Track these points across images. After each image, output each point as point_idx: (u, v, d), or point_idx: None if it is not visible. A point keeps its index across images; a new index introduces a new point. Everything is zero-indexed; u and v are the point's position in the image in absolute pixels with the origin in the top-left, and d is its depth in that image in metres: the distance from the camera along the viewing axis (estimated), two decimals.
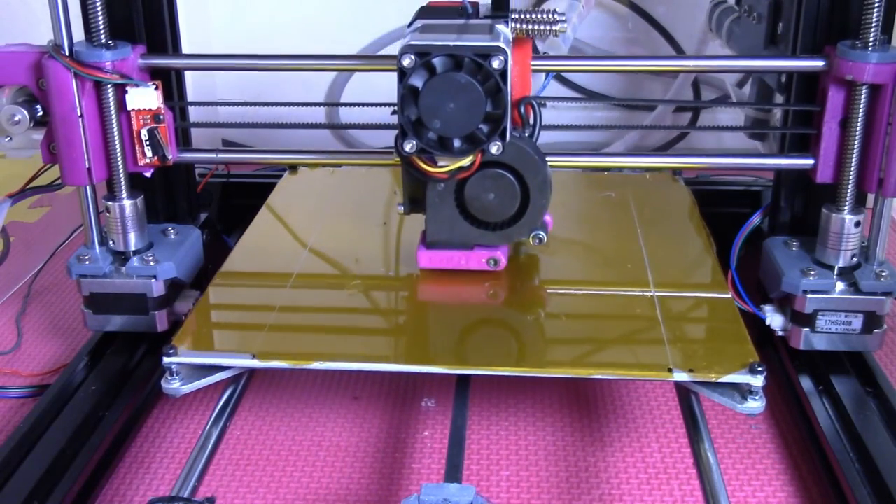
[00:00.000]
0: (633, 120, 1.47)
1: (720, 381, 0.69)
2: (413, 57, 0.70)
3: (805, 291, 0.81)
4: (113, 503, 0.76)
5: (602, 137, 1.42)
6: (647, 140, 1.42)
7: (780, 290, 0.82)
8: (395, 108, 0.72)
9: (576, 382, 0.90)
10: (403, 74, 0.70)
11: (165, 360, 0.71)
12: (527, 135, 0.78)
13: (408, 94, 0.71)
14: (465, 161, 0.74)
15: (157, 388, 0.86)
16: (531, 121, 0.78)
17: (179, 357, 0.72)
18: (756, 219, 0.90)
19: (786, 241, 0.87)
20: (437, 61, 0.70)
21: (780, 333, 0.85)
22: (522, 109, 0.77)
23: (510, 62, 0.70)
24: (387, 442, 0.82)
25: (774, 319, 0.85)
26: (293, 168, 1.04)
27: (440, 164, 0.75)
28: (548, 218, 0.82)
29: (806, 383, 0.83)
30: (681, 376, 0.69)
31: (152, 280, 0.83)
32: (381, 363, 0.72)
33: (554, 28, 0.75)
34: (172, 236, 0.89)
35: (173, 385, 0.72)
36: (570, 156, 0.86)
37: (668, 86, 1.43)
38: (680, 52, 1.40)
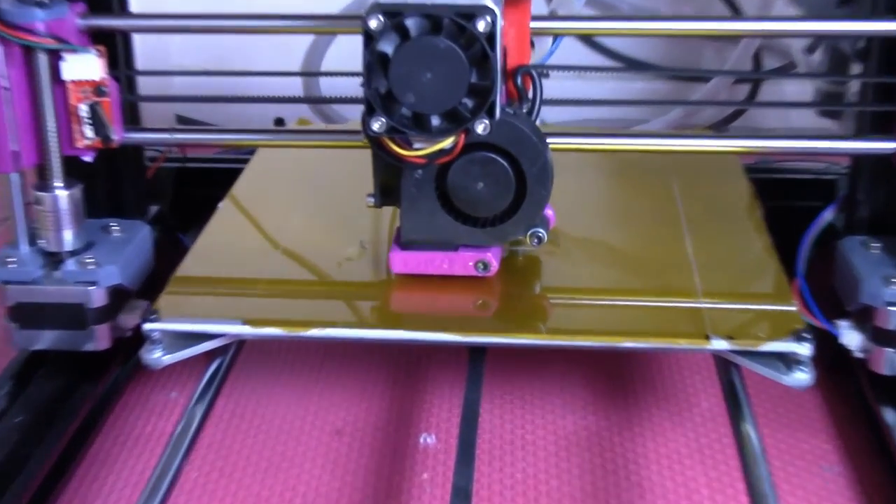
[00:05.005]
0: (678, 94, 1.44)
1: (761, 349, 0.72)
2: (382, 18, 0.67)
3: (889, 304, 0.77)
4: None
5: (639, 114, 1.39)
6: (694, 118, 1.39)
7: (859, 301, 0.79)
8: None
9: (595, 425, 0.86)
10: (371, 39, 0.68)
11: (146, 326, 0.74)
12: (524, 111, 0.75)
13: (376, 63, 0.68)
14: (446, 143, 0.71)
15: (96, 419, 0.85)
16: (530, 95, 0.76)
17: (162, 323, 0.74)
18: (828, 214, 0.89)
19: (865, 242, 0.84)
20: (410, 23, 0.67)
21: (859, 355, 0.81)
22: (519, 81, 0.75)
23: (500, 24, 0.67)
24: (376, 487, 0.78)
25: (851, 337, 0.81)
26: (280, 121, 1.02)
27: (416, 146, 0.72)
28: (549, 212, 0.79)
29: (890, 416, 0.80)
30: (719, 344, 0.72)
31: (92, 287, 0.80)
32: (384, 329, 0.75)
33: None
34: (116, 234, 0.86)
35: (154, 355, 0.74)
36: (597, 137, 0.84)
37: (722, 52, 1.39)
38: (736, 13, 1.36)
